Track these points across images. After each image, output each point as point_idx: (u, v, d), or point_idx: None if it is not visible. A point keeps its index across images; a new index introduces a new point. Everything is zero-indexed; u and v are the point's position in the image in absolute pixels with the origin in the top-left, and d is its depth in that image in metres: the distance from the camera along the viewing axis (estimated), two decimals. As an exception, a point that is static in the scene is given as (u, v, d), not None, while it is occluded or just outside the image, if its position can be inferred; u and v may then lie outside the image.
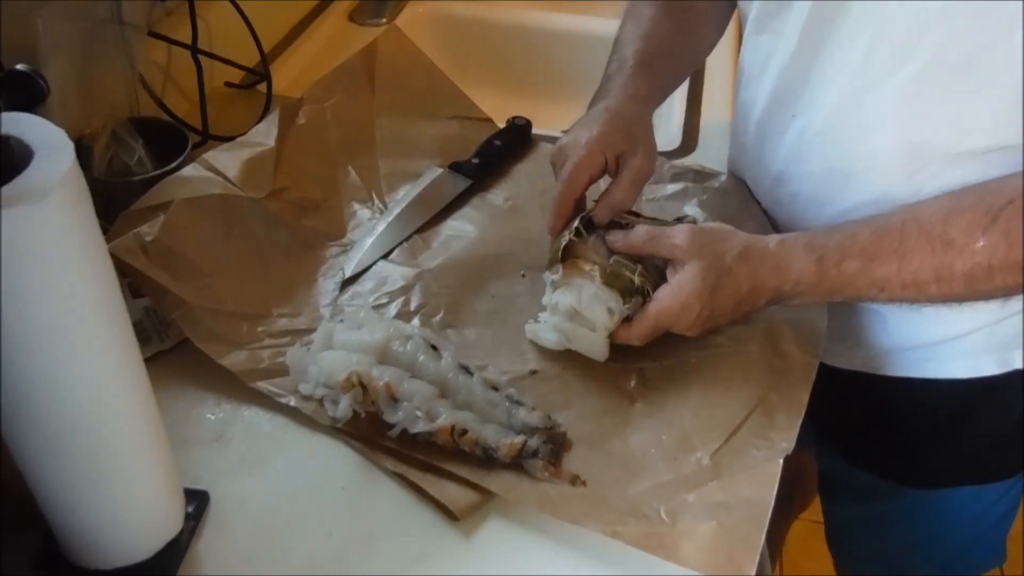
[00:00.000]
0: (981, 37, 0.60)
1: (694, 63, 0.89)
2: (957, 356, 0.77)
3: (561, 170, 0.73)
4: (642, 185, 0.74)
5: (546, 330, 0.70)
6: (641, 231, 0.69)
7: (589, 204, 0.75)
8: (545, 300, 0.71)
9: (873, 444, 0.87)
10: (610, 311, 0.68)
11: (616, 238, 0.70)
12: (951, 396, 0.79)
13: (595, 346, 0.68)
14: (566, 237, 0.71)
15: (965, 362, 0.76)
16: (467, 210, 0.87)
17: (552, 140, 0.96)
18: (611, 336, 0.68)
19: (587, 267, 0.70)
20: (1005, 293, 0.62)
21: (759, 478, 0.61)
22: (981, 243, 0.59)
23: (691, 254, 0.65)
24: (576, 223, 0.71)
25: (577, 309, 0.68)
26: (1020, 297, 0.73)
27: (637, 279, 0.68)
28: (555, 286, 0.70)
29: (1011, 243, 0.58)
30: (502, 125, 0.97)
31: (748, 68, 0.80)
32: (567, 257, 0.71)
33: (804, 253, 0.64)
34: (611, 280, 0.68)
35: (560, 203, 0.73)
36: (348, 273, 0.78)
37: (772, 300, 0.66)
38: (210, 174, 0.76)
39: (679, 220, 0.82)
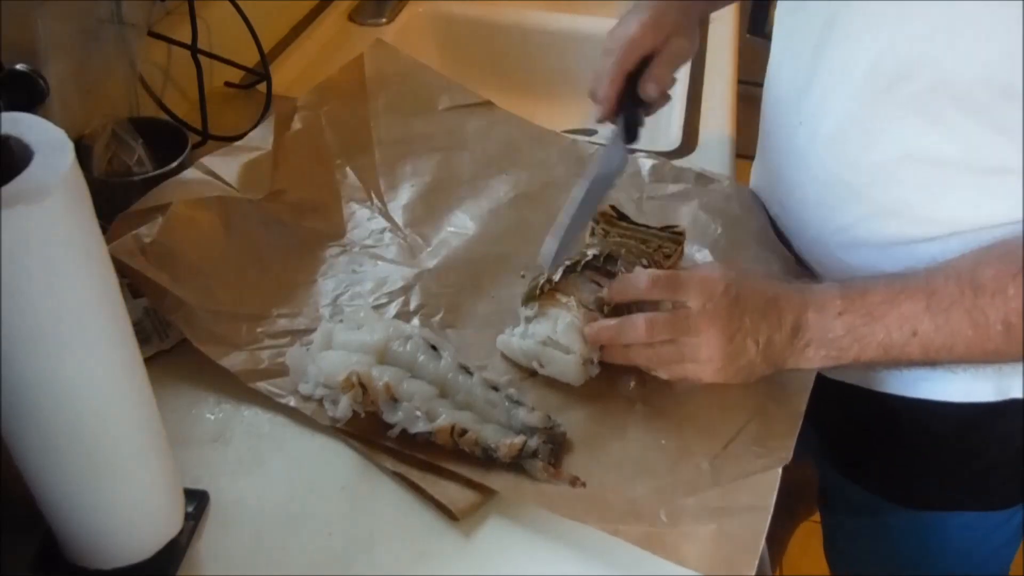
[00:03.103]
0: (984, 66, 0.59)
1: None
2: (954, 379, 0.74)
3: (613, 48, 0.76)
4: (679, 65, 0.78)
5: (517, 346, 0.70)
6: (644, 278, 0.65)
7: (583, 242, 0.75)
8: (519, 330, 0.70)
9: (870, 461, 0.86)
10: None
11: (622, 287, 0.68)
12: (948, 419, 0.77)
13: (569, 371, 0.68)
14: (543, 276, 0.70)
15: (962, 386, 0.74)
16: (468, 203, 0.87)
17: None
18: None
19: (563, 299, 0.69)
20: None
21: (759, 486, 0.61)
22: (1012, 291, 0.58)
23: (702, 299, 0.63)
24: (560, 269, 0.70)
25: (553, 338, 0.67)
26: None
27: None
28: (529, 321, 0.70)
29: None
30: (502, 125, 0.97)
31: (771, 62, 0.80)
32: (544, 293, 0.70)
33: (828, 286, 0.64)
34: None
35: (613, 76, 0.76)
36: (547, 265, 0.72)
37: (795, 326, 0.62)
38: (208, 177, 0.76)
39: (669, 227, 0.82)
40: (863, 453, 0.86)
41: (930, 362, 0.62)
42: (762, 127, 0.84)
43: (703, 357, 0.63)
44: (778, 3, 0.77)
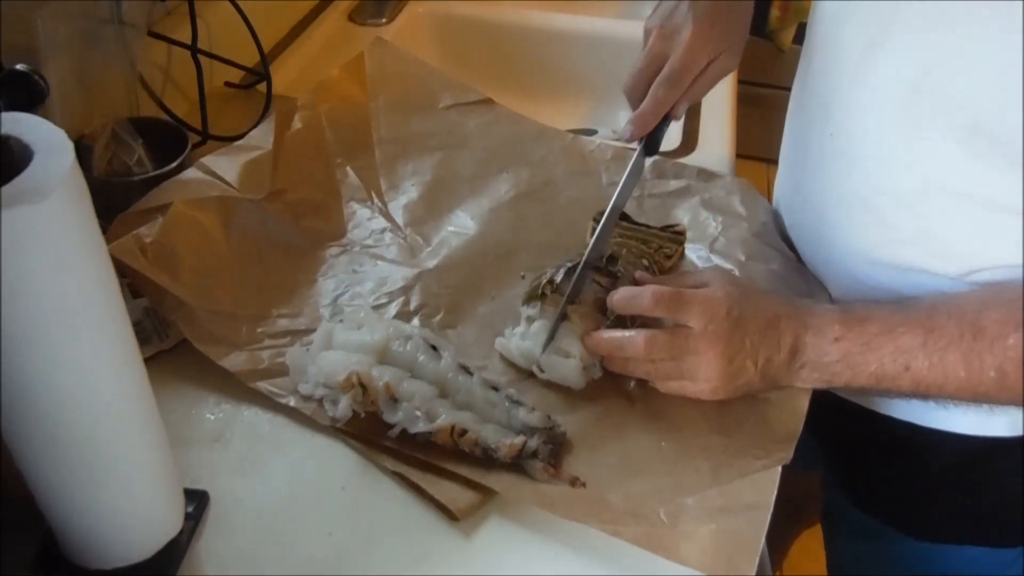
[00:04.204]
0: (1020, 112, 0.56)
1: None
2: (967, 411, 0.69)
3: (664, 66, 0.72)
4: (716, 83, 0.75)
5: (516, 348, 0.70)
6: (648, 296, 0.65)
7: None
8: (519, 330, 0.70)
9: (878, 488, 0.84)
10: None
11: (625, 298, 0.67)
12: (958, 451, 0.75)
13: (570, 375, 0.68)
14: (547, 275, 0.70)
15: (975, 419, 0.69)
16: (468, 202, 0.87)
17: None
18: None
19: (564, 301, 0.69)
20: None
21: (758, 485, 0.61)
22: (1012, 340, 0.57)
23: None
24: (562, 270, 0.70)
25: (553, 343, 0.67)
26: None
27: None
28: (530, 321, 0.70)
29: None
30: (502, 125, 0.97)
31: (804, 65, 0.77)
32: (546, 293, 0.70)
33: (829, 309, 0.64)
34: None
35: (660, 104, 0.72)
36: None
37: (793, 348, 0.63)
38: (208, 177, 0.76)
39: (670, 227, 0.81)
40: (872, 479, 0.85)
41: (920, 396, 0.62)
42: (787, 133, 0.82)
43: (701, 376, 0.64)
44: (815, 6, 0.74)
